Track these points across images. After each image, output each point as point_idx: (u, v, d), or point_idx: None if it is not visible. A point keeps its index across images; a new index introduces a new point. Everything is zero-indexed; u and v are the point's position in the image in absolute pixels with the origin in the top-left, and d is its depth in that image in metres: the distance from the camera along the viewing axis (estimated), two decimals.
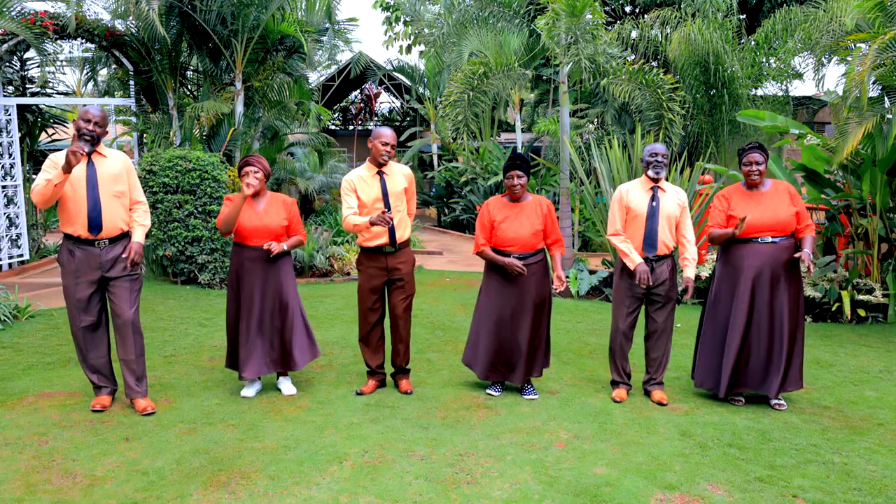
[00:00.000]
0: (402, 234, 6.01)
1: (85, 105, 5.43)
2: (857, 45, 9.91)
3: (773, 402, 5.89)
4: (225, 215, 5.80)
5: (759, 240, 5.74)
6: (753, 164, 5.80)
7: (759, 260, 5.72)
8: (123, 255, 5.45)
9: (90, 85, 18.69)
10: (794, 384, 5.88)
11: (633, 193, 5.97)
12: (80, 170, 5.31)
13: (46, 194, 5.13)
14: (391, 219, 5.61)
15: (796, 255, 5.63)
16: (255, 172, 5.84)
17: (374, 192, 5.89)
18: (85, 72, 17.55)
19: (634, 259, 5.86)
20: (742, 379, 5.90)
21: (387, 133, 5.88)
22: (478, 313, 6.18)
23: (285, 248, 5.90)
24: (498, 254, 6.00)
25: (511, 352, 6.05)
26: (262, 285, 5.92)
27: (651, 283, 5.87)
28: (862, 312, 9.34)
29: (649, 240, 5.84)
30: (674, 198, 5.93)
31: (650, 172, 5.88)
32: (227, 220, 5.80)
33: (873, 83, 10.10)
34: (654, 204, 5.86)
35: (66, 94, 16.13)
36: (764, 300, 5.74)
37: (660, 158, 5.85)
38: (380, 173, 5.93)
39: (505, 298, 6.00)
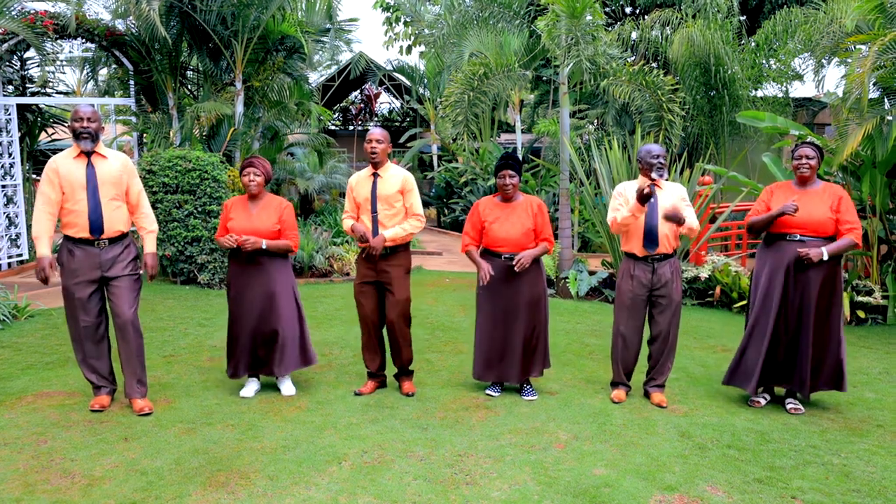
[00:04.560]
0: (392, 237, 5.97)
1: (75, 106, 5.49)
2: (858, 46, 9.91)
3: (789, 405, 5.86)
4: (220, 245, 5.91)
5: (787, 236, 5.68)
6: (804, 157, 5.71)
7: (786, 258, 5.67)
8: (150, 274, 5.67)
9: (90, 84, 18.73)
10: (828, 384, 5.82)
11: (631, 191, 5.95)
12: (80, 172, 5.35)
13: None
14: (364, 235, 5.83)
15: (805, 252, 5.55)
16: (256, 175, 5.87)
17: (365, 193, 5.95)
18: (85, 71, 17.58)
19: (631, 205, 5.79)
20: (771, 375, 5.87)
21: (373, 131, 5.94)
22: (476, 314, 6.20)
23: (263, 245, 5.79)
24: (489, 253, 6.03)
25: (505, 351, 6.05)
26: (252, 288, 5.92)
27: (653, 284, 5.87)
28: (861, 314, 9.34)
29: (649, 236, 5.81)
30: (671, 194, 5.90)
31: (653, 174, 5.83)
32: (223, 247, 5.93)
33: (873, 85, 10.10)
34: (652, 201, 5.84)
35: (66, 93, 16.14)
36: (789, 298, 5.69)
37: (661, 160, 5.81)
38: (374, 175, 5.95)
39: (497, 298, 6.01)
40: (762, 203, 5.92)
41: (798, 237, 5.65)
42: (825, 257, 5.49)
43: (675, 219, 5.64)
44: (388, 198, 5.93)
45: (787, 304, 5.72)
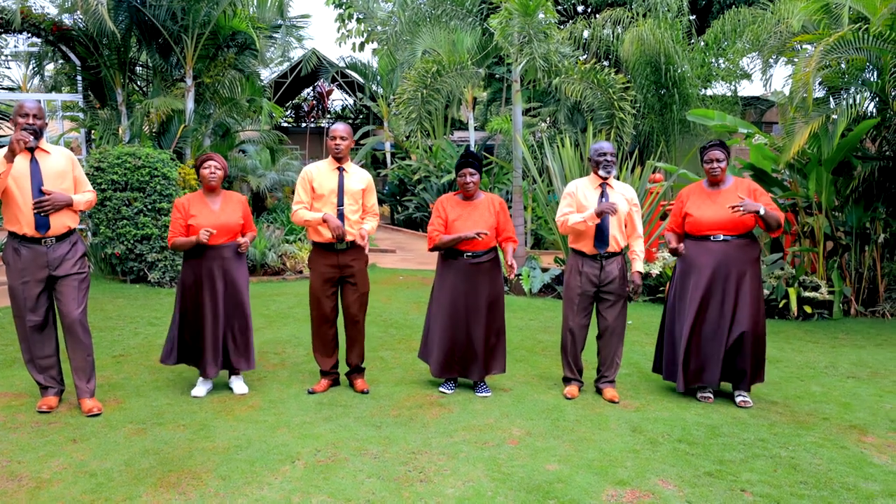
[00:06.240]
0: (369, 231, 6.02)
1: (20, 101, 5.33)
2: (804, 46, 10.09)
3: (738, 398, 5.95)
4: (181, 245, 5.79)
5: (712, 238, 5.80)
6: (714, 161, 5.85)
7: (711, 258, 5.78)
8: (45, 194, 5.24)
9: (36, 80, 18.42)
10: (758, 378, 5.95)
11: (583, 191, 6.01)
12: (24, 168, 5.20)
13: None
14: (342, 233, 5.75)
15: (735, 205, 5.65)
16: (217, 169, 5.84)
17: (330, 185, 5.89)
18: (31, 67, 17.27)
19: (579, 217, 5.87)
20: (701, 374, 5.95)
21: (338, 127, 5.93)
22: (431, 310, 6.20)
23: (250, 243, 5.92)
24: (450, 253, 6.02)
25: (466, 349, 6.05)
26: (222, 285, 5.87)
27: (601, 281, 5.93)
28: (808, 309, 9.51)
29: (600, 236, 5.87)
30: (623, 195, 5.97)
31: (601, 172, 5.91)
32: (182, 248, 5.82)
33: (819, 84, 10.29)
34: (604, 201, 5.89)
35: (11, 89, 15.83)
36: (717, 298, 5.79)
37: (609, 158, 5.89)
38: (340, 169, 5.93)
39: (458, 296, 6.00)
40: (676, 216, 6.11)
41: (721, 237, 5.78)
42: (762, 212, 5.59)
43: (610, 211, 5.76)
44: (354, 193, 5.94)
45: (712, 305, 5.84)
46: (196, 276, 5.88)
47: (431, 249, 6.11)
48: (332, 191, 5.88)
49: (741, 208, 5.54)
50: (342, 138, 5.89)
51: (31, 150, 5.25)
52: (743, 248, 5.79)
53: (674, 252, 5.95)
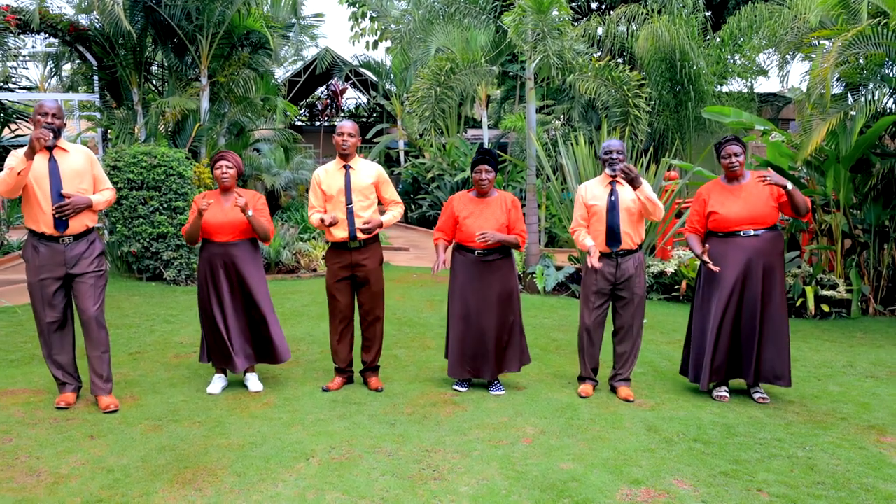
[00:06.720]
0: (388, 221, 6.04)
1: (40, 101, 5.38)
2: (821, 42, 10.02)
3: (756, 395, 5.95)
4: (190, 229, 5.83)
5: (742, 233, 5.77)
6: (732, 155, 5.80)
7: (742, 254, 5.74)
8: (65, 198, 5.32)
9: (54, 80, 18.55)
10: (777, 377, 5.89)
11: (593, 190, 6.01)
12: (43, 167, 5.25)
13: (10, 183, 5.07)
14: (334, 221, 5.75)
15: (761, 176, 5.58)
16: (229, 168, 5.84)
17: (337, 184, 5.90)
18: (48, 67, 17.39)
19: (587, 243, 5.89)
20: (734, 371, 5.95)
21: (345, 124, 5.93)
22: (448, 309, 6.20)
23: (250, 213, 5.76)
24: (463, 249, 6.03)
25: (478, 347, 6.04)
26: (230, 281, 5.89)
27: (617, 278, 5.90)
28: (826, 308, 9.46)
29: (612, 233, 5.85)
30: (630, 188, 5.93)
31: (607, 170, 5.90)
32: (189, 233, 5.85)
33: (837, 80, 10.21)
34: (613, 198, 5.87)
35: (29, 89, 15.93)
36: (751, 293, 5.76)
37: (615, 156, 5.86)
38: (346, 167, 5.93)
39: (469, 294, 6.00)
40: (697, 216, 6.06)
41: (752, 232, 5.75)
42: (789, 187, 5.56)
43: (630, 177, 5.67)
44: (363, 189, 5.94)
45: (750, 299, 5.79)
46: (205, 272, 5.93)
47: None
48: (340, 189, 5.89)
49: (768, 178, 5.50)
50: (350, 135, 5.89)
51: (50, 149, 5.30)
52: (771, 241, 5.76)
53: (704, 261, 5.85)
